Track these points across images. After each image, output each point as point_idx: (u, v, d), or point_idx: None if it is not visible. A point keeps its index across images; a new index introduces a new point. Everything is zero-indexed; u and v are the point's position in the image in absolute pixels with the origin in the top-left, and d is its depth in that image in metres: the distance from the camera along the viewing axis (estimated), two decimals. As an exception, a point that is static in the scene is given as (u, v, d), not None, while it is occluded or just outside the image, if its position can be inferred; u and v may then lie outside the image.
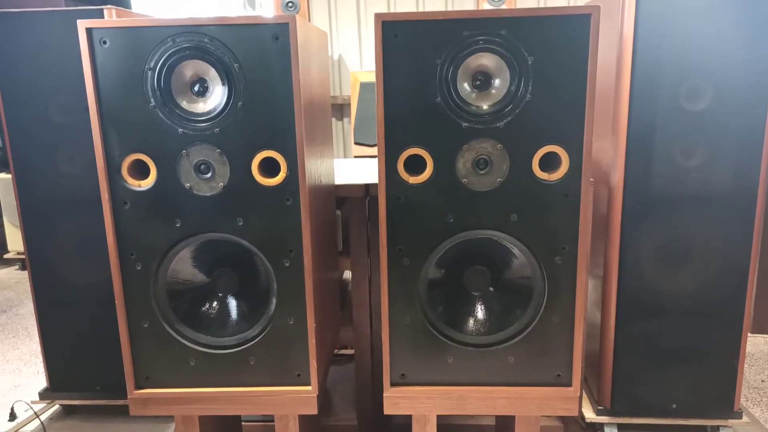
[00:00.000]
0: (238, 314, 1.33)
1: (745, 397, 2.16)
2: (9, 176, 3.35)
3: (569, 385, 1.29)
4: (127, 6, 4.09)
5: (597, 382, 1.83)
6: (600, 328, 1.78)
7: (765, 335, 2.66)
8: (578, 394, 1.29)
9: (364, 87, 3.94)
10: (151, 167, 1.23)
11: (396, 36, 1.15)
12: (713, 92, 1.56)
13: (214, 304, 1.33)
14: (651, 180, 1.62)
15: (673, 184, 1.62)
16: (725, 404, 1.76)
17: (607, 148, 1.65)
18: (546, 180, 1.20)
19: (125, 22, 1.17)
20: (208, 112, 1.20)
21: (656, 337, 1.73)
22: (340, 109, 4.32)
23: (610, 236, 1.68)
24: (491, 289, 1.30)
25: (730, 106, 1.56)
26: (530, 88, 1.15)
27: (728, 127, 1.58)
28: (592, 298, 1.85)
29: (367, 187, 1.75)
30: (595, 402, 1.84)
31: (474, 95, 1.18)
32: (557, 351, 1.27)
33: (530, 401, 1.29)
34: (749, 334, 2.37)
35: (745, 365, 2.22)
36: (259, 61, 1.17)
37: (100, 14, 1.65)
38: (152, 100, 1.19)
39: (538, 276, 1.24)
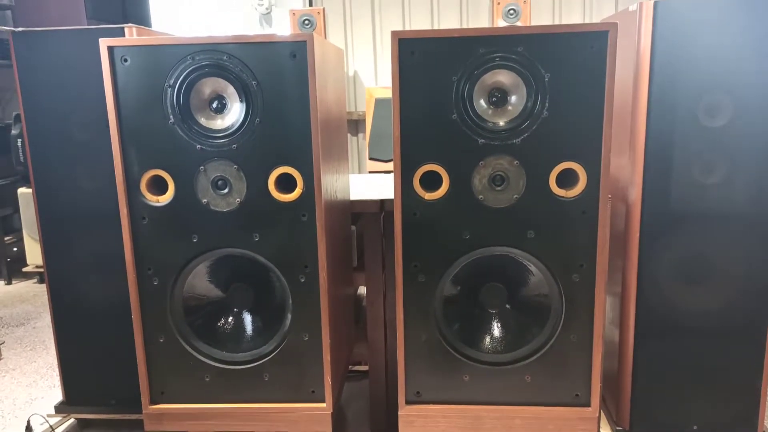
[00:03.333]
0: (253, 330, 1.33)
1: (768, 419, 2.11)
2: (30, 191, 3.40)
3: (588, 405, 1.27)
4: (148, 24, 4.16)
5: (615, 401, 1.79)
6: (618, 346, 1.75)
7: (788, 355, 2.59)
8: (597, 415, 1.27)
9: (379, 103, 3.96)
10: (169, 183, 1.24)
11: (412, 53, 1.15)
12: (733, 108, 1.54)
13: (230, 319, 1.33)
14: (669, 197, 1.60)
15: (692, 201, 1.60)
16: (748, 425, 1.72)
17: (625, 164, 1.64)
18: (563, 197, 1.19)
19: (146, 40, 1.19)
20: (226, 129, 1.21)
21: (676, 356, 1.69)
22: (355, 124, 4.34)
23: (628, 253, 1.66)
24: (508, 306, 1.29)
25: (750, 122, 1.54)
26: (547, 104, 1.15)
27: (749, 143, 1.56)
28: (609, 315, 1.83)
29: (382, 203, 1.75)
30: (614, 422, 1.81)
31: (490, 112, 1.18)
32: (575, 370, 1.25)
33: (548, 422, 1.27)
34: (772, 354, 2.32)
35: (768, 386, 2.17)
36: (277, 79, 1.18)
37: (121, 33, 1.67)
38: (171, 116, 1.21)
39: (556, 294, 1.23)
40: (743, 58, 1.51)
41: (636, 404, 1.74)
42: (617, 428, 1.78)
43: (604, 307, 1.25)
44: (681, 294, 1.66)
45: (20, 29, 1.70)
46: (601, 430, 1.82)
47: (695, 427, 1.73)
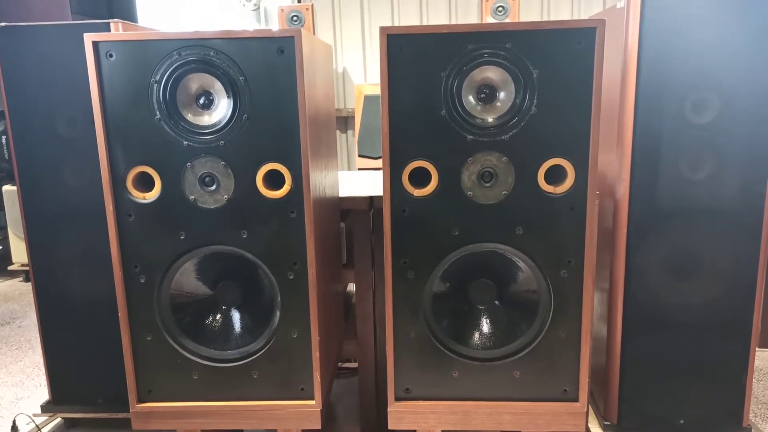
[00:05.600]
0: (242, 327, 1.32)
1: (753, 413, 2.13)
2: (14, 188, 3.37)
3: (576, 400, 1.27)
4: (134, 20, 4.12)
5: (603, 397, 1.81)
6: (606, 342, 1.76)
7: (773, 349, 2.62)
8: (585, 410, 1.27)
9: (368, 100, 3.95)
10: (155, 180, 1.23)
11: (401, 49, 1.15)
12: (720, 104, 1.55)
13: (218, 317, 1.33)
14: (657, 193, 1.61)
15: (680, 197, 1.61)
16: (734, 420, 1.74)
17: (613, 160, 1.65)
18: (552, 193, 1.19)
19: (131, 35, 1.18)
20: (214, 125, 1.20)
21: (663, 351, 1.71)
22: (345, 121, 4.33)
23: (615, 249, 1.67)
24: (497, 302, 1.29)
25: (737, 119, 1.55)
26: (535, 100, 1.15)
27: (735, 140, 1.57)
28: (597, 311, 1.84)
29: (372, 200, 1.75)
30: (602, 417, 1.82)
31: (479, 108, 1.18)
32: (564, 365, 1.26)
33: (536, 417, 1.28)
34: (757, 349, 2.34)
35: (754, 380, 2.20)
36: (265, 74, 1.17)
37: (106, 28, 1.65)
38: (158, 112, 1.20)
39: (544, 289, 1.23)
40: (730, 55, 1.53)
41: (624, 399, 1.75)
42: (605, 423, 1.79)
43: (593, 302, 1.26)
44: (668, 289, 1.68)
45: (3, 24, 1.68)
46: (589, 424, 1.83)
47: (682, 421, 1.75)
